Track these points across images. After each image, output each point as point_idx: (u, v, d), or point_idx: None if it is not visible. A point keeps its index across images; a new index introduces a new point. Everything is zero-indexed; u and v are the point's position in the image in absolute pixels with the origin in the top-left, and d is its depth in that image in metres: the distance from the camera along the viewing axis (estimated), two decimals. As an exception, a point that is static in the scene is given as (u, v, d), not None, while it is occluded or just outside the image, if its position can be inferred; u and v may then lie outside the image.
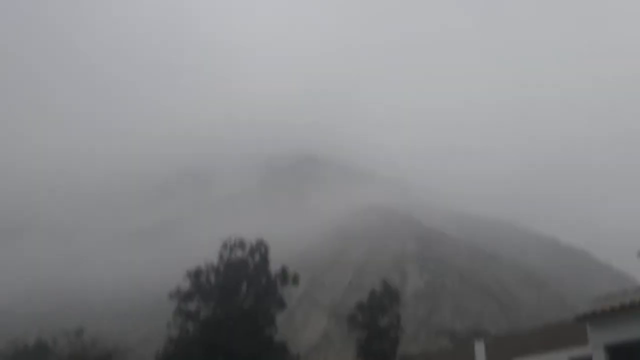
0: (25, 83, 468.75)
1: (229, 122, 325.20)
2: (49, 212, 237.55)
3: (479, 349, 23.57)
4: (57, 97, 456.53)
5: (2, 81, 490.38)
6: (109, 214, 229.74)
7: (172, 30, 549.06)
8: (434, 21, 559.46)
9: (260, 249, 57.91)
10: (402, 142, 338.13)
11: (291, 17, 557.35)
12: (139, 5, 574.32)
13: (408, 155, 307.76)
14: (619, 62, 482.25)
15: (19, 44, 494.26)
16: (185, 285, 57.44)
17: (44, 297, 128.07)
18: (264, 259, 57.78)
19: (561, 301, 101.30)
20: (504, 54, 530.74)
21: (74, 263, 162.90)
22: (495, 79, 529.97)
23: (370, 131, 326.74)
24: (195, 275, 57.68)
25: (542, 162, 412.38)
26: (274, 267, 58.30)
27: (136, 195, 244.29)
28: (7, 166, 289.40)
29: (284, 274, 57.55)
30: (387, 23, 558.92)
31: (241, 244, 58.24)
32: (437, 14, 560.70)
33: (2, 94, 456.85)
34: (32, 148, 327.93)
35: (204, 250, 68.73)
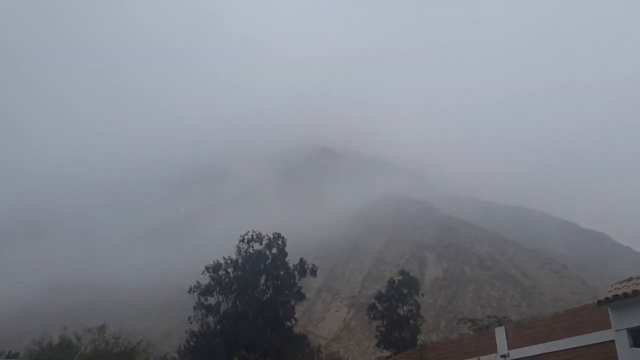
0: (41, 85, 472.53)
1: (243, 117, 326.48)
2: (70, 212, 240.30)
3: (500, 336, 23.25)
4: (73, 99, 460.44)
5: (19, 86, 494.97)
6: (128, 212, 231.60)
7: (184, 28, 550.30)
8: (452, 11, 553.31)
9: (278, 242, 57.39)
10: (419, 131, 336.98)
11: (305, 9, 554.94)
12: (150, 4, 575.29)
13: (425, 144, 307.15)
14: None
15: (32, 47, 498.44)
16: (205, 279, 57.52)
17: (66, 295, 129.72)
18: (282, 252, 57.37)
19: (582, 285, 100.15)
20: (526, 40, 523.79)
21: (95, 261, 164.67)
22: (515, 67, 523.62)
23: (386, 121, 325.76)
24: (214, 269, 57.72)
25: (562, 148, 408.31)
26: (293, 259, 58.01)
27: (154, 193, 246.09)
28: (27, 169, 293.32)
29: (302, 265, 57.25)
30: (404, 11, 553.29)
31: (259, 237, 57.99)
32: (455, 4, 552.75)
33: (19, 98, 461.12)
34: (50, 150, 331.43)
35: (222, 245, 69.19)
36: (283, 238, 57.61)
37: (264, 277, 56.17)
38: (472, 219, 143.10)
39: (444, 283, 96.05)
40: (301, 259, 58.11)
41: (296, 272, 57.07)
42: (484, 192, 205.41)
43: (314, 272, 58.36)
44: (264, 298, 55.03)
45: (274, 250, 57.41)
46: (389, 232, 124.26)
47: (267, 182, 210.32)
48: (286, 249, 57.69)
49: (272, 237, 57.84)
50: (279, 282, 55.79)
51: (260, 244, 57.62)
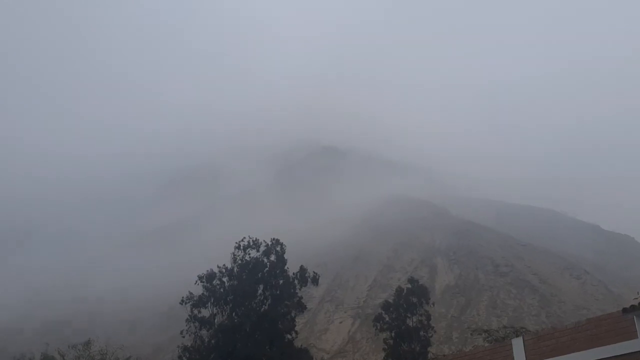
0: (26, 86, 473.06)
1: (239, 112, 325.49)
2: (52, 217, 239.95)
3: (518, 347, 23.18)
4: (58, 99, 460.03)
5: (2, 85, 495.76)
6: (116, 218, 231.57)
7: (179, 21, 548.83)
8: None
9: (277, 248, 58.92)
10: (429, 128, 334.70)
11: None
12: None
13: (435, 142, 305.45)
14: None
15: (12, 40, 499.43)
16: (198, 290, 57.98)
17: (49, 308, 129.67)
18: (281, 259, 59.03)
19: (606, 292, 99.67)
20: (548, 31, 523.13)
21: (79, 270, 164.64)
22: (531, 58, 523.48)
23: (394, 117, 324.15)
24: (208, 279, 58.22)
25: (582, 147, 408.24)
26: (292, 267, 58.86)
27: (143, 197, 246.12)
28: (11, 172, 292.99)
29: (302, 274, 59.02)
30: (411, 5, 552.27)
31: (256, 244, 58.82)
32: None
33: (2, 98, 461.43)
34: (36, 153, 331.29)
35: (216, 253, 69.49)
36: (282, 244, 58.79)
37: (261, 286, 56.75)
38: (487, 221, 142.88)
39: (456, 291, 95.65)
40: (302, 267, 59.01)
41: (296, 281, 57.80)
42: (498, 192, 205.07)
43: (315, 280, 59.38)
44: (262, 309, 55.31)
45: (272, 258, 58.14)
46: (397, 237, 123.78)
47: (264, 183, 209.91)
48: (285, 255, 58.54)
49: (270, 243, 58.65)
50: (278, 292, 57.22)
51: (258, 250, 58.60)
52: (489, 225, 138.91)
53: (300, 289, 58.29)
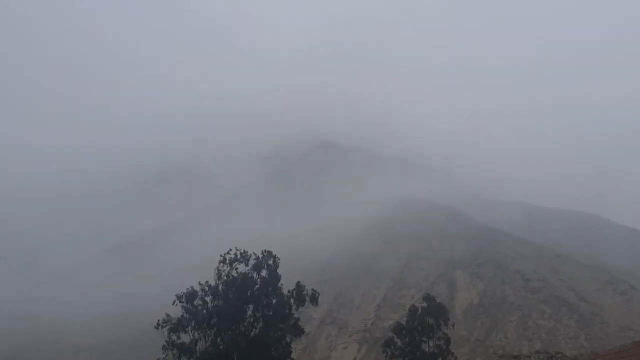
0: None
1: (224, 107, 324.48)
2: (9, 230, 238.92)
3: (552, 378, 22.83)
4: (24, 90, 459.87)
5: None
6: (83, 226, 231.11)
7: (163, 15, 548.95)
8: None
9: (269, 262, 58.69)
10: (445, 123, 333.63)
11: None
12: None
13: (453, 139, 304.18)
14: None
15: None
16: (177, 311, 57.40)
17: (4, 335, 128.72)
18: (274, 274, 58.95)
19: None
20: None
21: (40, 292, 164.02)
22: (558, 48, 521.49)
23: (406, 110, 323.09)
24: (189, 299, 57.79)
25: (624, 137, 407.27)
26: (288, 284, 58.69)
27: (116, 202, 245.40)
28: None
29: (299, 291, 58.80)
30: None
31: (244, 257, 58.42)
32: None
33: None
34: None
35: (198, 268, 68.72)
36: (275, 257, 58.74)
37: (251, 307, 56.23)
38: (515, 228, 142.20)
39: (480, 311, 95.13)
40: (298, 283, 58.70)
41: (292, 300, 57.39)
42: (528, 195, 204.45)
43: (315, 299, 58.61)
44: (252, 334, 54.75)
45: (264, 273, 57.76)
46: (410, 247, 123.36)
47: (255, 186, 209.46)
48: (280, 270, 58.17)
49: (261, 255, 58.14)
50: (271, 314, 56.18)
51: (247, 265, 57.83)
52: (518, 232, 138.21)
53: (297, 310, 57.84)
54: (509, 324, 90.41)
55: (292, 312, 56.68)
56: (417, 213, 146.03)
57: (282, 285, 57.33)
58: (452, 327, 63.06)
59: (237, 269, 57.43)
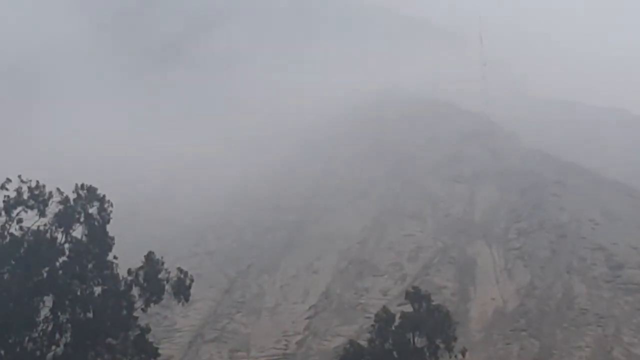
0: None
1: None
2: None
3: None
4: None
5: None
6: None
7: None
8: None
9: (88, 209, 39.14)
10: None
11: None
12: None
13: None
14: None
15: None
16: None
17: None
18: (101, 236, 38.92)
19: None
20: None
21: None
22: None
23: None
24: None
25: None
26: (128, 254, 40.50)
27: None
28: None
29: (152, 272, 38.60)
30: None
31: (36, 198, 37.91)
32: None
33: None
34: None
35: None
36: (103, 199, 39.11)
37: (51, 299, 37.65)
38: (603, 160, 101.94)
39: (519, 323, 60.14)
40: (149, 256, 38.91)
41: (137, 290, 38.96)
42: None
43: (183, 290, 39.43)
44: (50, 355, 36.93)
45: (80, 231, 39.08)
46: (386, 190, 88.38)
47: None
48: (116, 226, 40.36)
49: (74, 195, 39.15)
50: (90, 315, 37.93)
51: (42, 214, 38.41)
52: (611, 169, 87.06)
53: (145, 310, 38.95)
54: (577, 349, 56.61)
55: (134, 314, 38.52)
56: (408, 121, 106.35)
57: (115, 261, 38.09)
58: (460, 357, 42.35)
59: (21, 220, 37.82)
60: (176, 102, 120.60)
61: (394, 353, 40.59)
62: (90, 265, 37.83)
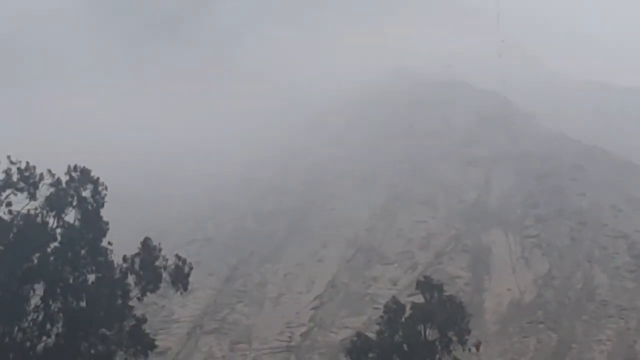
0: None
1: None
2: None
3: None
4: None
5: None
6: None
7: None
8: None
9: (81, 192, 38.84)
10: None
11: None
12: None
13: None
14: None
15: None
16: None
17: None
18: (94, 220, 38.72)
19: None
20: None
21: None
22: None
23: None
24: None
25: None
26: (127, 241, 40.30)
27: None
28: None
29: (149, 259, 38.34)
30: None
31: (27, 180, 37.62)
32: None
33: None
34: None
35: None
36: (97, 182, 38.86)
37: (42, 287, 37.60)
38: (625, 141, 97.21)
39: (536, 316, 58.92)
40: (146, 242, 38.88)
41: (133, 278, 38.75)
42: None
43: (181, 278, 39.37)
44: (41, 345, 37.20)
45: (72, 215, 39.03)
46: (395, 175, 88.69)
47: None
48: (112, 209, 40.39)
49: (66, 177, 38.89)
50: (83, 304, 38.01)
51: (33, 197, 38.33)
52: (624, 154, 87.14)
53: (141, 299, 38.99)
54: (598, 343, 55.92)
55: (130, 304, 38.32)
56: (412, 100, 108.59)
57: (110, 247, 38.08)
58: (474, 350, 43.28)
59: (10, 204, 37.77)
60: (177, 81, 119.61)
61: (404, 346, 40.92)
62: (83, 252, 38.02)
